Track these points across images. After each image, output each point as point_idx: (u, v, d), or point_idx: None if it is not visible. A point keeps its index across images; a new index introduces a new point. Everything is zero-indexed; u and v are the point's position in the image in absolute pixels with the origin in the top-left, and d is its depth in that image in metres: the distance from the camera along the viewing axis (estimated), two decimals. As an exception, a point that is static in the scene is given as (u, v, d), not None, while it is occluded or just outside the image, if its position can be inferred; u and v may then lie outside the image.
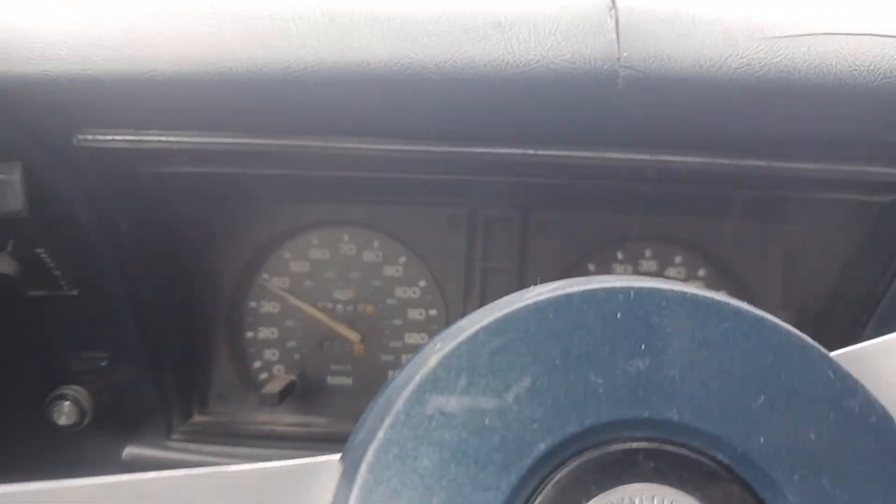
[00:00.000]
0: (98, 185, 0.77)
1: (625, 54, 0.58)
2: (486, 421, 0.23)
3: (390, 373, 1.10)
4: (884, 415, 0.26)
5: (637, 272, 1.09)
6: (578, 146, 0.68)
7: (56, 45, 0.63)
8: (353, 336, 1.10)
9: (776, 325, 0.26)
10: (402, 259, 1.10)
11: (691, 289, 0.27)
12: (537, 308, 0.26)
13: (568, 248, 1.08)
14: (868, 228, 0.84)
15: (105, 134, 0.71)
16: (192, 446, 1.03)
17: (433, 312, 1.10)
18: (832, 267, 0.90)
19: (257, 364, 1.11)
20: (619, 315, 0.26)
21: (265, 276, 1.10)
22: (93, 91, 0.63)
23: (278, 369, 1.10)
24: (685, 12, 0.62)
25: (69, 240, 0.79)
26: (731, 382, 0.25)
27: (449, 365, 0.24)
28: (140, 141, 0.71)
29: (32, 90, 0.63)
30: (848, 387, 0.26)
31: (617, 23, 0.60)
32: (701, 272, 1.08)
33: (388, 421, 0.23)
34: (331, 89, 0.61)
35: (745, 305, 0.27)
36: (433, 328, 1.10)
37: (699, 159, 0.69)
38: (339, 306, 1.11)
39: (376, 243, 1.11)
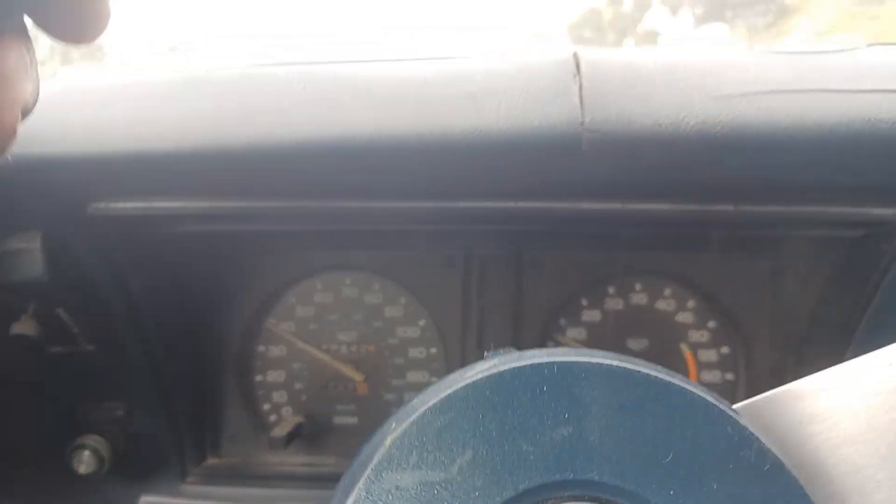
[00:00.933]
0: (112, 249, 0.82)
1: (588, 119, 0.63)
2: (435, 492, 0.28)
3: (393, 410, 1.15)
4: (775, 462, 0.30)
5: (628, 305, 1.13)
6: (553, 198, 0.73)
7: (71, 128, 0.69)
8: (356, 376, 1.15)
9: (683, 389, 0.31)
10: (402, 300, 1.15)
11: (608, 360, 0.32)
12: (475, 386, 0.30)
13: (561, 284, 1.12)
14: (839, 260, 0.88)
15: (117, 202, 0.77)
16: (206, 489, 1.07)
17: (433, 350, 1.15)
18: (809, 296, 0.94)
19: (266, 406, 1.16)
20: (544, 388, 0.30)
21: (272, 321, 1.15)
22: (104, 168, 0.69)
23: (286, 410, 1.15)
24: (645, 74, 0.67)
25: (86, 300, 0.85)
26: (643, 443, 0.30)
27: (402, 444, 0.29)
28: (149, 207, 0.77)
29: (51, 169, 0.70)
30: (744, 440, 0.30)
31: (581, 87, 0.65)
32: (690, 303, 1.12)
33: (351, 499, 0.27)
34: (320, 159, 0.66)
35: (655, 371, 0.31)
36: (434, 365, 1.14)
37: (667, 206, 0.73)
38: (343, 347, 1.15)
39: (377, 286, 1.16)
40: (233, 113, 0.68)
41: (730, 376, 1.11)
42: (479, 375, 0.30)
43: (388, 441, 0.29)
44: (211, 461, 1.13)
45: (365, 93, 0.67)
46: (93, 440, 0.94)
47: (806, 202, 0.73)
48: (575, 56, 0.69)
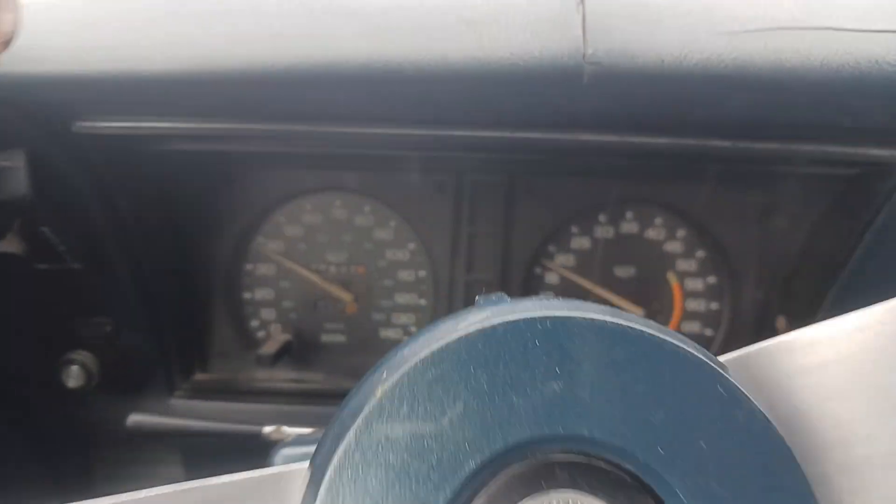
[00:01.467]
0: (98, 167, 0.81)
1: (590, 51, 0.61)
2: (426, 443, 0.28)
3: (381, 330, 1.16)
4: (763, 421, 0.31)
5: (618, 234, 1.13)
6: (551, 129, 0.72)
7: (55, 47, 0.66)
8: (345, 296, 1.15)
9: (674, 346, 0.31)
10: (392, 223, 1.14)
11: (602, 315, 0.31)
12: (468, 339, 0.30)
13: (552, 212, 1.12)
14: (832, 198, 0.88)
15: (102, 121, 0.74)
16: (194, 403, 1.09)
17: (422, 273, 1.15)
18: (800, 232, 0.95)
19: (255, 323, 1.16)
20: (536, 343, 0.30)
21: (261, 239, 1.15)
22: (88, 87, 0.67)
23: (275, 328, 1.16)
24: (650, 7, 0.65)
25: (72, 219, 0.84)
26: (633, 400, 0.30)
27: (392, 395, 0.29)
28: (135, 127, 0.75)
29: (34, 88, 0.67)
30: (734, 398, 0.31)
31: (584, 19, 0.62)
32: (679, 233, 1.12)
33: (341, 448, 0.27)
34: (311, 85, 0.64)
35: (648, 328, 0.31)
36: (422, 288, 1.15)
37: (666, 140, 0.72)
38: (333, 268, 1.16)
39: (367, 208, 1.15)
40: (222, 34, 0.65)
41: (714, 306, 1.13)
42: (472, 328, 0.30)
43: (378, 391, 0.29)
44: (199, 376, 1.15)
45: (358, 14, 0.64)
46: (81, 355, 0.95)
47: (805, 141, 0.72)
48: None
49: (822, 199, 0.89)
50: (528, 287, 1.13)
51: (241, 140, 0.79)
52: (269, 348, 1.06)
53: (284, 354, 1.10)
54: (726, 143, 0.72)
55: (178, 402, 1.10)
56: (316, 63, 0.63)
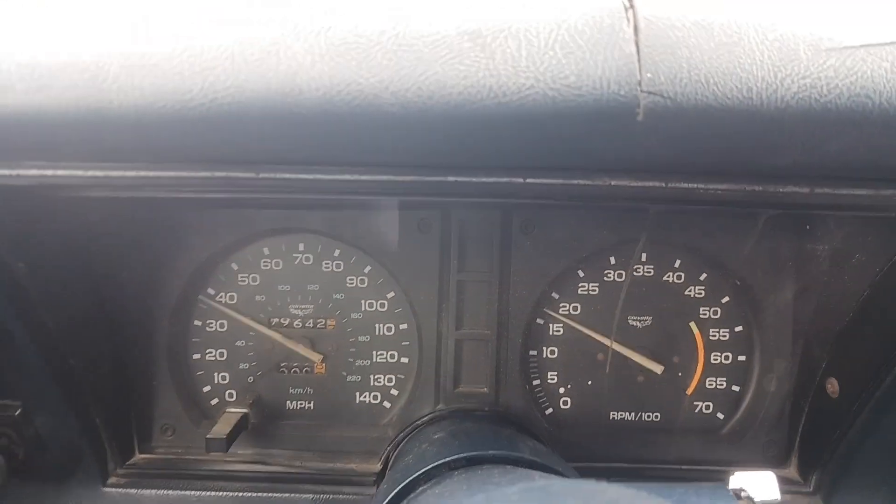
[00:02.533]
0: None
1: (648, 75, 0.44)
2: None
3: (357, 395, 0.98)
4: None
5: (632, 277, 0.96)
6: (577, 174, 0.54)
7: None
8: (313, 356, 0.97)
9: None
10: (367, 268, 0.97)
11: None
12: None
13: (555, 253, 0.95)
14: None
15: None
16: (132, 492, 0.90)
17: (403, 327, 0.98)
18: (861, 282, 0.78)
19: (206, 389, 0.98)
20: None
21: (210, 291, 0.96)
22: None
23: (230, 394, 0.98)
24: (725, 13, 0.47)
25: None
26: None
27: None
28: (30, 176, 0.56)
29: None
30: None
31: (636, 30, 0.45)
32: (702, 276, 0.96)
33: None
34: (249, 122, 0.46)
35: None
36: (404, 344, 0.97)
37: (725, 186, 0.55)
38: (297, 322, 0.97)
39: (337, 252, 0.97)
40: (143, 71, 0.46)
41: (742, 358, 0.97)
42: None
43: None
44: (140, 457, 0.96)
45: (317, 32, 0.46)
46: (-20, 453, 0.76)
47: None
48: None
49: (889, 246, 0.73)
50: (530, 342, 0.96)
51: (172, 188, 0.60)
52: (221, 429, 0.87)
53: (240, 433, 0.91)
54: (804, 190, 0.55)
55: (113, 492, 0.90)
56: (250, 94, 0.45)
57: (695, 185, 0.55)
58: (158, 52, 0.46)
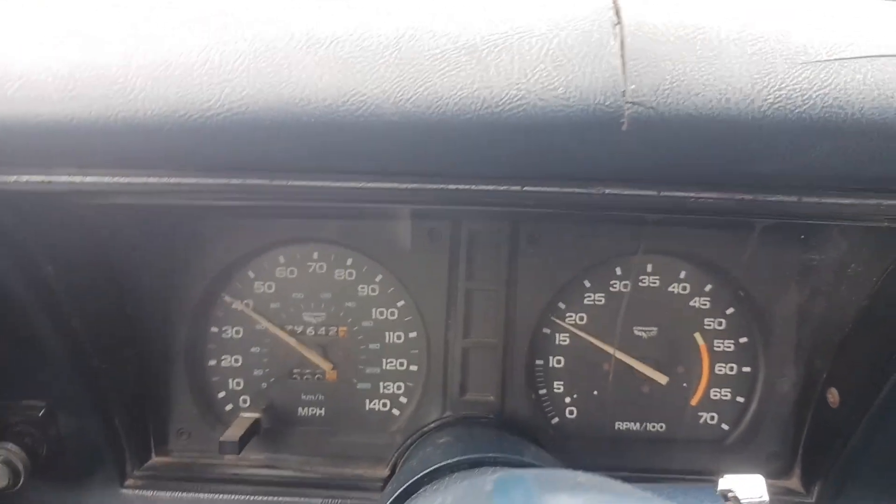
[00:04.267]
0: (10, 226, 0.65)
1: (632, 86, 0.46)
2: None
3: (367, 402, 1.00)
4: None
5: (637, 288, 0.98)
6: (572, 183, 0.57)
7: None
8: (324, 364, 1.00)
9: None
10: (378, 278, 0.99)
11: None
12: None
13: (561, 264, 0.97)
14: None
15: (9, 174, 0.59)
16: (149, 493, 0.93)
17: (413, 335, 1.00)
18: (860, 292, 0.80)
19: (221, 395, 1.01)
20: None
21: (227, 298, 0.99)
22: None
23: (244, 400, 1.00)
24: (707, 29, 0.49)
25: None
26: None
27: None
28: (53, 182, 0.60)
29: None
30: None
31: (622, 45, 0.47)
32: (707, 287, 0.98)
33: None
34: (262, 130, 0.49)
35: None
36: (413, 352, 1.00)
37: (715, 195, 0.57)
38: (310, 330, 1.00)
39: (349, 261, 1.00)
40: (153, 79, 0.50)
41: (747, 369, 0.98)
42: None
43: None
44: (157, 460, 0.99)
45: (322, 42, 0.49)
46: (4, 450, 0.79)
47: (889, 193, 0.58)
48: (614, 2, 0.51)
49: (890, 256, 0.74)
50: (536, 351, 0.98)
51: (192, 195, 0.63)
52: (234, 433, 0.90)
53: (252, 437, 0.94)
54: (791, 199, 0.57)
55: (130, 494, 0.93)
56: (260, 104, 0.48)
57: (686, 194, 0.57)
58: (180, 64, 0.49)
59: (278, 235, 0.98)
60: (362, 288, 1.00)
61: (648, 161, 0.50)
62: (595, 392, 0.99)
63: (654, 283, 0.99)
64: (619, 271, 0.98)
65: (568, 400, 1.00)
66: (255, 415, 0.96)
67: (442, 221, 0.96)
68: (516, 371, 0.97)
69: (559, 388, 0.99)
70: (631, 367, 0.97)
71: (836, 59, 0.47)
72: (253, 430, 0.94)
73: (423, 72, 0.48)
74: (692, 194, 0.57)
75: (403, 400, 1.01)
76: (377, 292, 1.00)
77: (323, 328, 1.01)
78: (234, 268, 0.99)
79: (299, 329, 1.01)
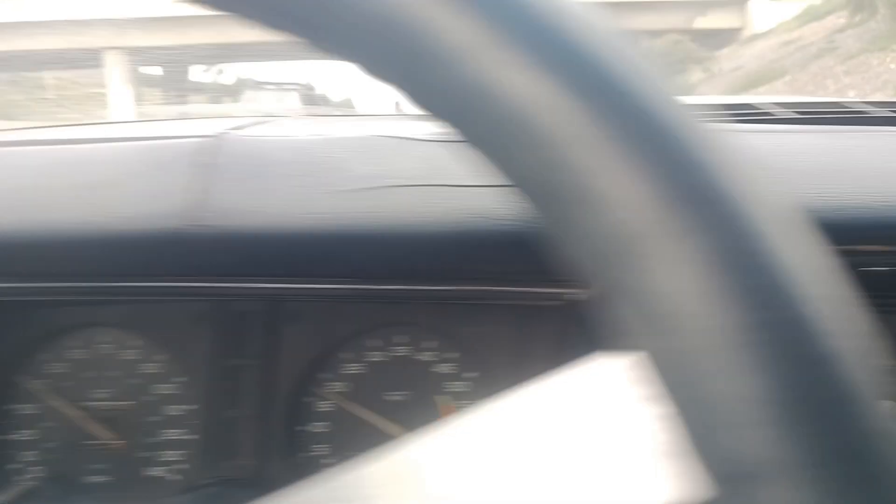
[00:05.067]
0: None
1: (209, 213, 0.63)
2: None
3: (147, 469, 1.12)
4: None
5: (393, 358, 1.13)
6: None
7: None
8: (108, 435, 1.11)
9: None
10: (159, 357, 1.12)
11: None
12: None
13: (319, 337, 1.11)
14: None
15: None
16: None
17: (193, 407, 1.12)
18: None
19: (13, 467, 1.11)
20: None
21: (25, 378, 1.11)
22: None
23: (37, 471, 1.11)
24: (275, 168, 0.67)
25: None
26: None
27: None
28: None
29: None
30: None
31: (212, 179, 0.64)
32: (450, 354, 1.12)
33: None
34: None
35: None
36: (194, 423, 1.12)
37: (337, 287, 0.73)
38: (101, 404, 1.12)
39: (133, 342, 1.12)
40: None
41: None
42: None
43: None
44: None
45: None
46: None
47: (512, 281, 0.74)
48: (218, 139, 0.68)
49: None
50: (295, 419, 1.11)
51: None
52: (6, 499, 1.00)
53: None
54: (400, 287, 0.73)
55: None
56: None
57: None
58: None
59: (68, 321, 1.10)
60: (144, 366, 1.13)
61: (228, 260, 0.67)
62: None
63: (405, 352, 1.13)
64: (369, 343, 1.13)
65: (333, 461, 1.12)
66: (37, 483, 1.07)
67: (207, 305, 1.10)
68: (276, 437, 1.09)
69: (323, 451, 1.12)
70: (380, 427, 1.10)
71: (358, 189, 0.65)
72: (28, 496, 1.04)
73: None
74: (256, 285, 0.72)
75: (185, 466, 1.12)
76: (157, 370, 1.12)
77: (111, 402, 1.12)
78: (27, 351, 1.11)
79: (92, 404, 1.12)
